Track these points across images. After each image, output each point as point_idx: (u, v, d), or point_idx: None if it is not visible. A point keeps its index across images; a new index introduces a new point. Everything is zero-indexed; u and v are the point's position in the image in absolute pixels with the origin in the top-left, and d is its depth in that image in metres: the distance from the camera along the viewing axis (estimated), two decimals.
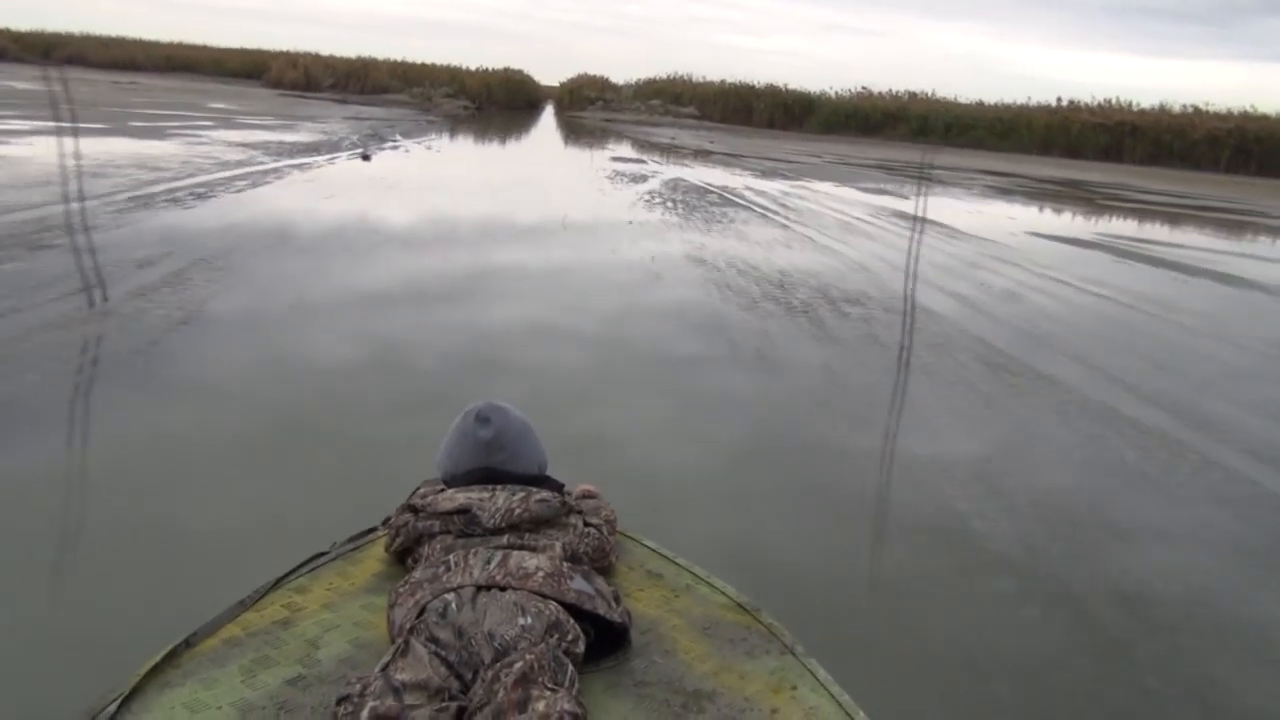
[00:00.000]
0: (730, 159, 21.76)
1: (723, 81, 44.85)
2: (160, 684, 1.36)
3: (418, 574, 1.50)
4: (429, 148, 19.09)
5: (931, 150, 25.50)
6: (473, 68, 41.97)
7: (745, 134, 35.28)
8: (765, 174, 18.31)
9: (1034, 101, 38.90)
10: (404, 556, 1.67)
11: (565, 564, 1.52)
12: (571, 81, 45.14)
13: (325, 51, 44.25)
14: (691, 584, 1.70)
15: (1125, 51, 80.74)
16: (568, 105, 41.21)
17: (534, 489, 1.67)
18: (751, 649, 1.51)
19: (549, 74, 57.15)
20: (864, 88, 44.86)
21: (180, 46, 56.64)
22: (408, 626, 1.38)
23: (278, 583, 1.61)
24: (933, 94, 43.80)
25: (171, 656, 1.41)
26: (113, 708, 1.28)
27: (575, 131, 30.73)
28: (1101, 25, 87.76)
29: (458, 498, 1.63)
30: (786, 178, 17.68)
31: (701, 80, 46.45)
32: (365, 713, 1.23)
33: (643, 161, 19.41)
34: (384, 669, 1.30)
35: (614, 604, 1.49)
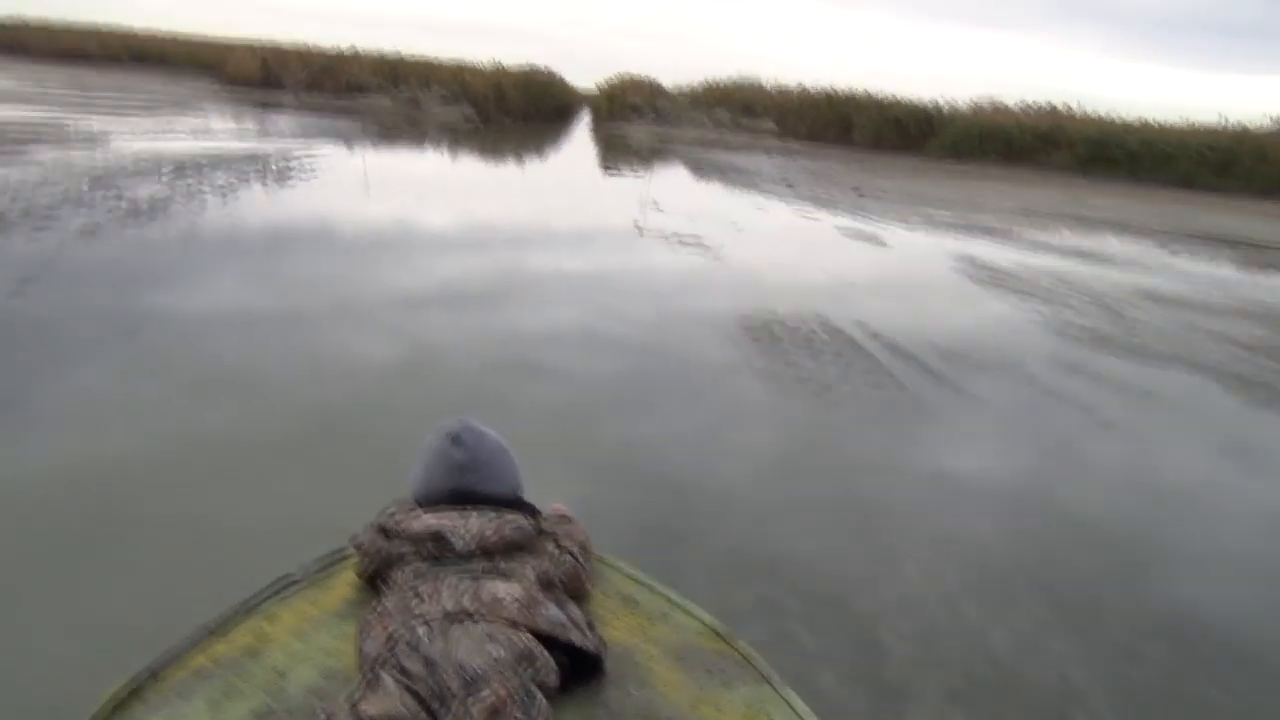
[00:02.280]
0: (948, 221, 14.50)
1: (807, 88, 37.96)
2: (124, 718, 1.44)
3: (388, 602, 1.53)
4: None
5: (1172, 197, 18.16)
6: (484, 64, 35.23)
7: (861, 162, 28.10)
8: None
9: (1191, 122, 31.93)
10: (374, 580, 1.69)
11: (539, 591, 1.55)
12: (611, 85, 38.39)
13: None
14: (667, 610, 1.75)
15: (1175, 65, 77.43)
16: (607, 115, 34.40)
17: (508, 512, 1.71)
18: (728, 679, 1.58)
19: (584, 77, 50.99)
20: (993, 100, 37.77)
21: (138, 36, 52.28)
22: (377, 657, 1.41)
23: (247, 608, 1.67)
24: (1078, 109, 36.56)
25: (135, 688, 1.48)
26: None
27: (619, 158, 23.80)
28: (1151, 37, 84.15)
29: (429, 520, 1.67)
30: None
31: (777, 86, 39.61)
32: None
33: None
34: (352, 702, 1.34)
35: (588, 632, 1.53)
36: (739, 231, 11.08)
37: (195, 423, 3.88)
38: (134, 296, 5.72)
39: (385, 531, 1.71)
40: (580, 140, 29.08)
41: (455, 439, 1.80)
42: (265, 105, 27.57)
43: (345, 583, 1.77)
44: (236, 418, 3.99)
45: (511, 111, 33.14)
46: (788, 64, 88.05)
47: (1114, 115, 35.29)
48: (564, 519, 1.91)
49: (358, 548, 1.77)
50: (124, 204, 8.28)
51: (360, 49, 36.96)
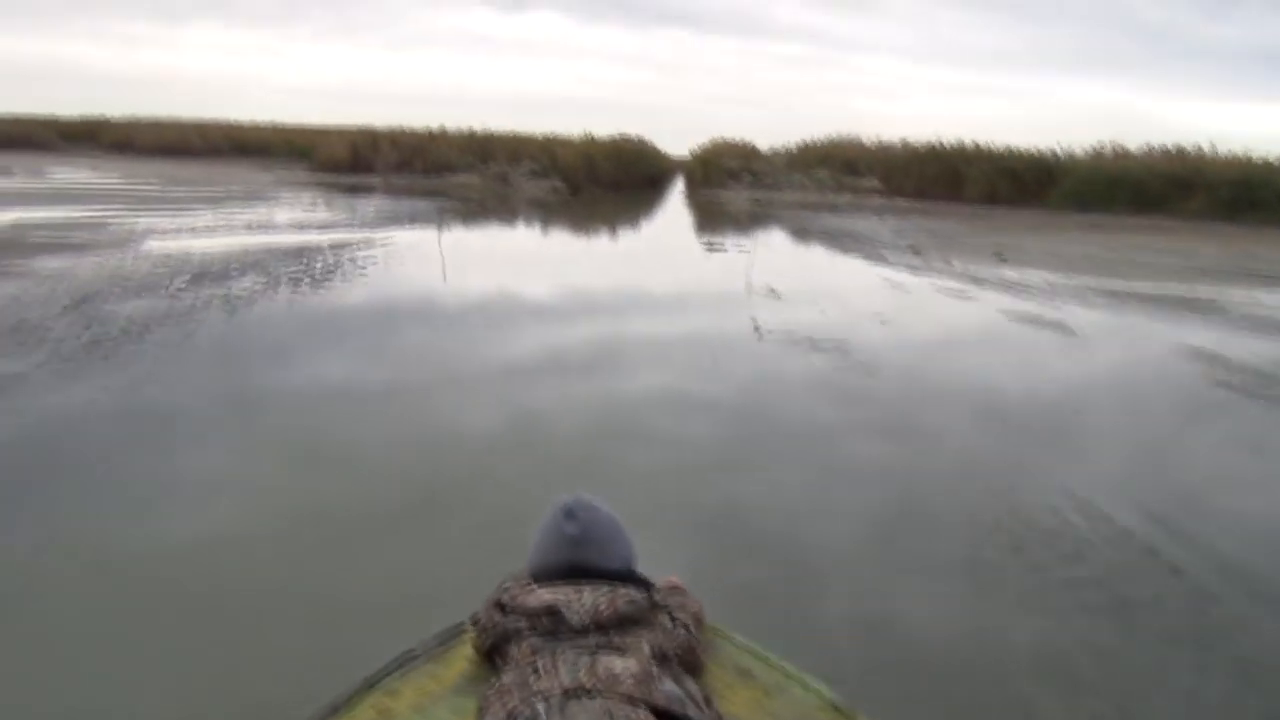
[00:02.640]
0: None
1: (910, 143, 35.37)
2: None
3: (507, 678, 1.56)
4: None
5: None
6: (573, 135, 33.72)
7: (981, 220, 25.37)
8: None
9: None
10: (492, 655, 1.72)
11: (654, 666, 1.55)
12: (706, 150, 36.50)
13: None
14: (783, 683, 1.73)
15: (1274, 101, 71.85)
16: (701, 181, 32.41)
17: (621, 586, 1.70)
18: None
19: (677, 143, 49.46)
20: (1115, 145, 34.53)
21: (240, 128, 53.14)
22: None
23: (368, 684, 1.70)
24: (1211, 150, 32.98)
25: None
26: None
27: (718, 226, 21.63)
28: (1246, 73, 78.85)
29: (545, 596, 1.67)
30: None
31: (878, 142, 37.12)
32: None
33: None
34: None
35: (704, 707, 1.52)
36: (881, 322, 8.66)
37: (310, 497, 3.91)
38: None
39: (502, 607, 1.71)
40: (674, 208, 27.08)
41: (568, 513, 1.79)
42: (352, 190, 26.42)
43: (464, 658, 1.79)
44: (349, 491, 4.01)
45: (602, 182, 31.43)
46: (882, 120, 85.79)
47: (1254, 154, 31.80)
48: (677, 591, 1.91)
49: (475, 623, 1.78)
50: (87, 336, 6.37)
51: (450, 128, 35.97)
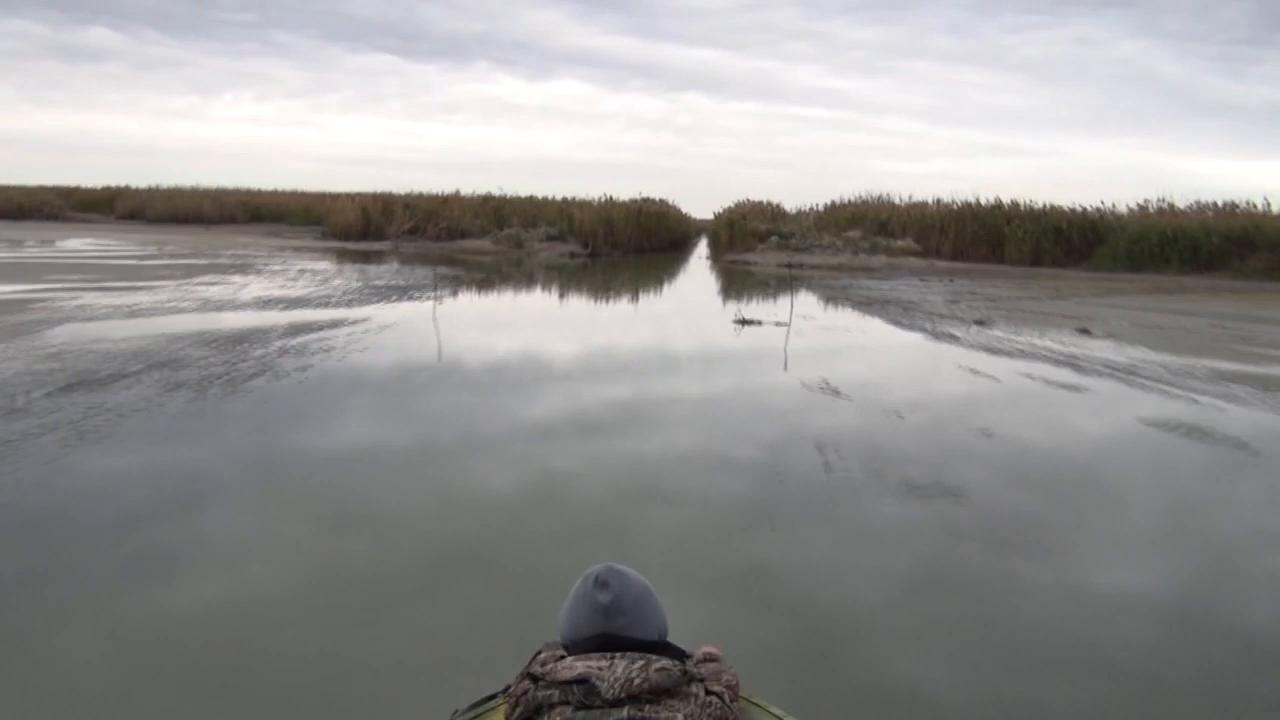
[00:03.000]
0: None
1: (945, 202, 33.28)
2: None
3: None
4: None
5: None
6: (591, 198, 31.89)
7: (1033, 282, 23.18)
8: None
9: None
10: None
11: None
12: (730, 211, 34.60)
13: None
14: None
15: None
16: (726, 244, 30.39)
17: (654, 657, 1.66)
18: None
19: (699, 206, 47.87)
20: (1162, 201, 32.31)
21: (256, 195, 52.25)
22: None
23: None
24: (1264, 206, 30.67)
25: None
26: None
27: (747, 293, 19.51)
28: (1267, 130, 77.38)
29: (577, 666, 1.64)
30: None
31: (909, 201, 35.06)
32: None
33: None
34: None
35: None
36: (985, 434, 6.39)
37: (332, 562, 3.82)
38: None
39: (534, 678, 1.68)
40: (698, 273, 25.01)
41: (600, 582, 1.74)
42: (362, 256, 24.63)
43: None
44: (372, 555, 3.92)
45: (622, 245, 29.50)
46: (903, 179, 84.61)
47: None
48: (712, 659, 1.92)
49: (506, 694, 1.74)
50: None
51: (465, 192, 34.27)
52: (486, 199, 33.52)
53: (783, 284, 22.14)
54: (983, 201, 32.32)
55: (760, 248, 29.32)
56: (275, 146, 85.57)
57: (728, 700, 1.68)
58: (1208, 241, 27.98)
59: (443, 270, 20.10)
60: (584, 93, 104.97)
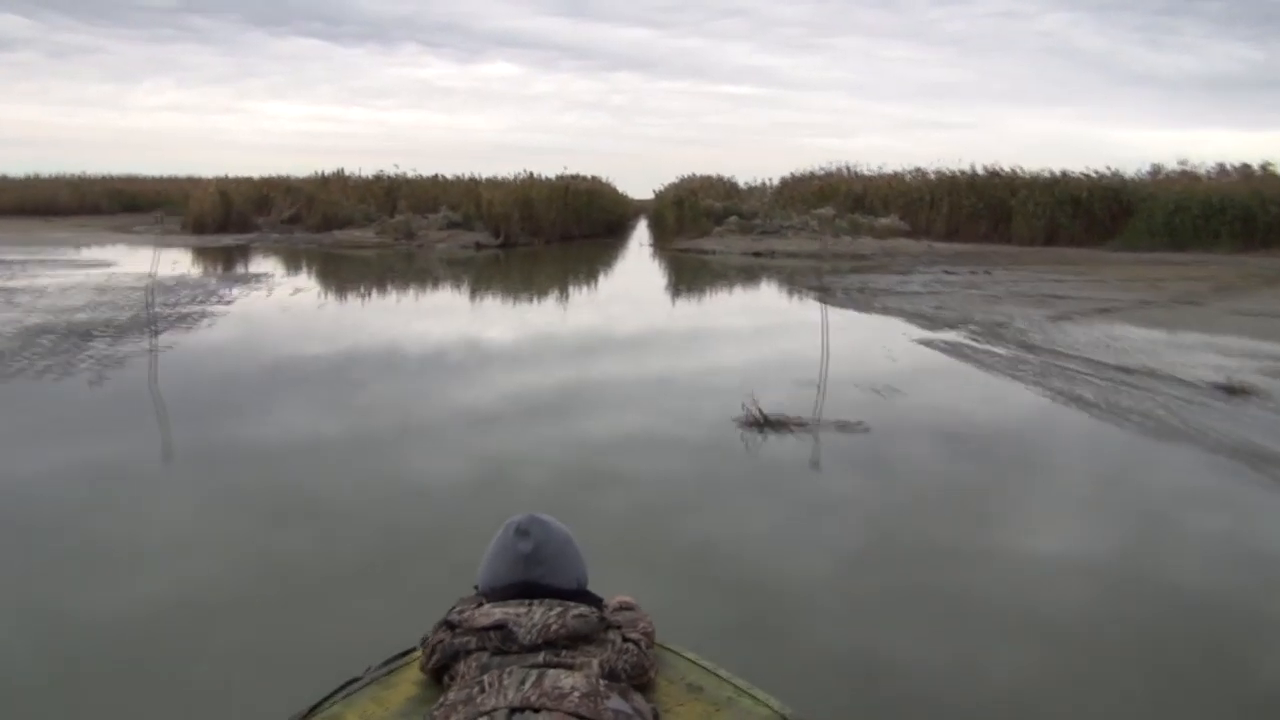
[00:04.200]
0: None
1: (935, 173, 27.16)
2: None
3: (452, 695, 1.49)
4: None
5: None
6: (508, 176, 25.13)
7: (1085, 268, 17.10)
8: None
9: None
10: (440, 675, 1.65)
11: (602, 682, 1.49)
12: (676, 188, 28.20)
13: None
14: (734, 696, 1.66)
15: (1226, 126, 69.59)
16: (675, 227, 23.88)
17: (571, 604, 1.65)
18: None
19: (636, 186, 41.57)
20: (1183, 167, 26.57)
21: (135, 181, 44.71)
22: None
23: (311, 711, 1.61)
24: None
25: None
26: None
27: (714, 296, 13.15)
28: (1197, 100, 75.48)
29: (494, 613, 1.62)
30: None
31: (883, 173, 28.88)
32: None
33: None
34: None
35: None
36: None
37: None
38: None
39: (451, 626, 1.66)
40: (641, 271, 18.51)
41: (520, 531, 1.72)
42: (203, 255, 17.63)
43: (410, 680, 1.71)
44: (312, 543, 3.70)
45: (544, 231, 22.88)
46: (834, 155, 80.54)
47: None
48: (628, 608, 1.85)
49: (424, 643, 1.71)
50: None
51: (351, 173, 27.22)
52: (376, 180, 26.58)
53: (758, 281, 15.72)
54: (979, 169, 26.33)
55: (717, 231, 22.91)
56: (200, 135, 78.66)
57: (644, 647, 1.66)
58: (1264, 212, 22.24)
59: (264, 272, 13.37)
60: (515, 74, 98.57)
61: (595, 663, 1.52)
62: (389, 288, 14.00)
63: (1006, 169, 26.02)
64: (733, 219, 23.80)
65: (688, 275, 16.91)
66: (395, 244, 20.94)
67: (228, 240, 22.25)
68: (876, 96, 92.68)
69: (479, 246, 20.94)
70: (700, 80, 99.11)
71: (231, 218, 25.83)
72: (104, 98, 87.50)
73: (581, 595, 1.71)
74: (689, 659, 1.78)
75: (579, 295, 13.34)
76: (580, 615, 1.60)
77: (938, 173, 26.86)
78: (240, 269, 15.66)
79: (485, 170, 24.75)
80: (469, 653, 1.57)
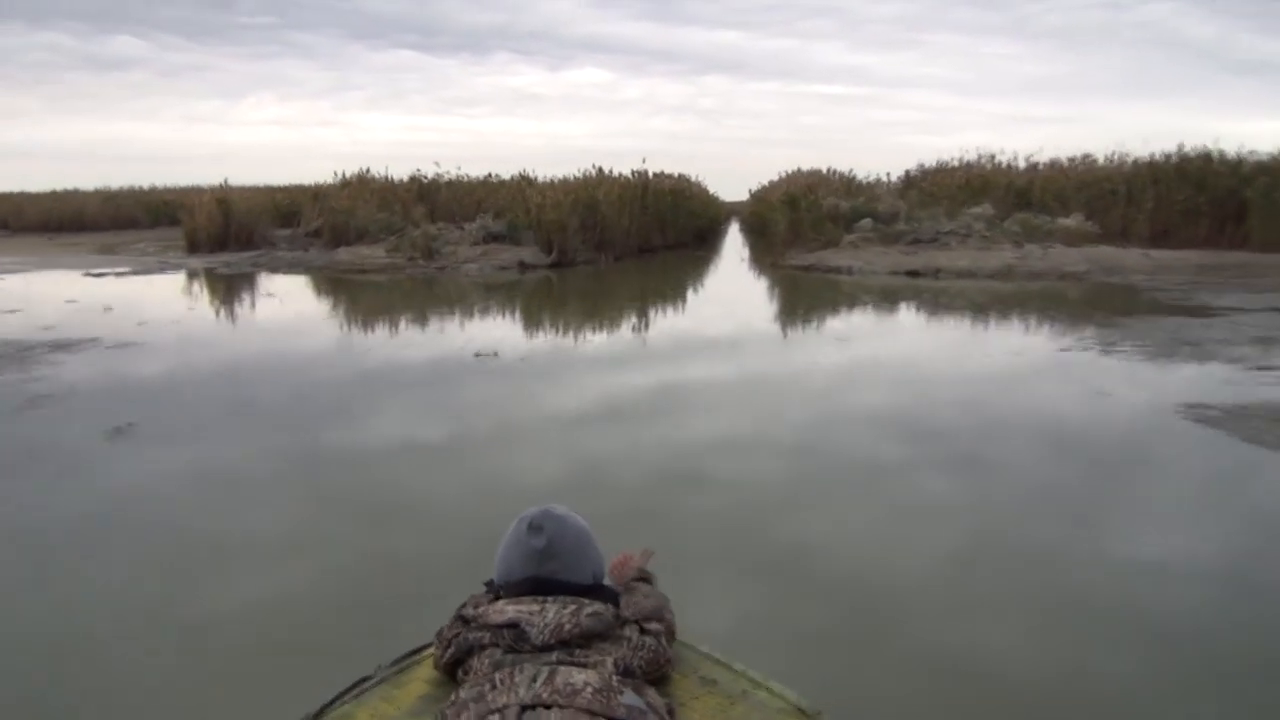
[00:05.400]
0: None
1: (1134, 159, 20.25)
2: None
3: (464, 693, 1.43)
4: None
5: None
6: (572, 176, 19.21)
7: None
8: None
9: None
10: (454, 670, 1.59)
11: (615, 678, 1.43)
12: (783, 185, 21.96)
13: None
14: (748, 689, 1.62)
15: None
16: (788, 235, 17.52)
17: (586, 602, 1.56)
18: None
19: (726, 188, 35.79)
20: None
21: (175, 192, 40.63)
22: None
23: (321, 711, 1.56)
24: None
25: None
26: None
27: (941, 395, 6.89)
28: None
29: (508, 610, 1.54)
30: None
31: (1052, 164, 21.99)
32: None
33: None
34: None
35: (667, 717, 1.43)
36: None
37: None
38: None
39: (465, 621, 1.60)
40: (756, 296, 12.29)
41: (534, 527, 1.63)
42: (200, 278, 12.21)
43: (421, 679, 1.65)
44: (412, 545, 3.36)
45: (614, 243, 16.95)
46: (931, 154, 74.50)
47: None
48: (644, 579, 1.80)
49: (438, 637, 1.65)
50: None
51: (379, 174, 21.73)
52: (410, 183, 20.99)
53: (934, 310, 9.41)
54: (1191, 154, 19.37)
55: (848, 240, 16.55)
56: (300, 146, 78.29)
57: (664, 643, 1.60)
58: None
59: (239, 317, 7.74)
60: (604, 80, 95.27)
61: (610, 660, 1.46)
62: (399, 319, 8.17)
63: (1230, 151, 19.10)
64: (865, 222, 17.43)
65: (836, 312, 10.66)
66: (410, 266, 15.17)
67: (210, 261, 16.89)
68: (974, 92, 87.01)
69: (523, 267, 15.04)
70: (791, 80, 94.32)
71: (234, 232, 20.65)
72: (211, 113, 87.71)
73: (597, 590, 1.62)
74: (702, 652, 1.71)
75: (666, 362, 7.26)
76: (594, 614, 1.52)
77: (1131, 159, 19.99)
78: (106, 315, 10.05)
79: (566, 174, 19.04)
80: (483, 648, 1.50)
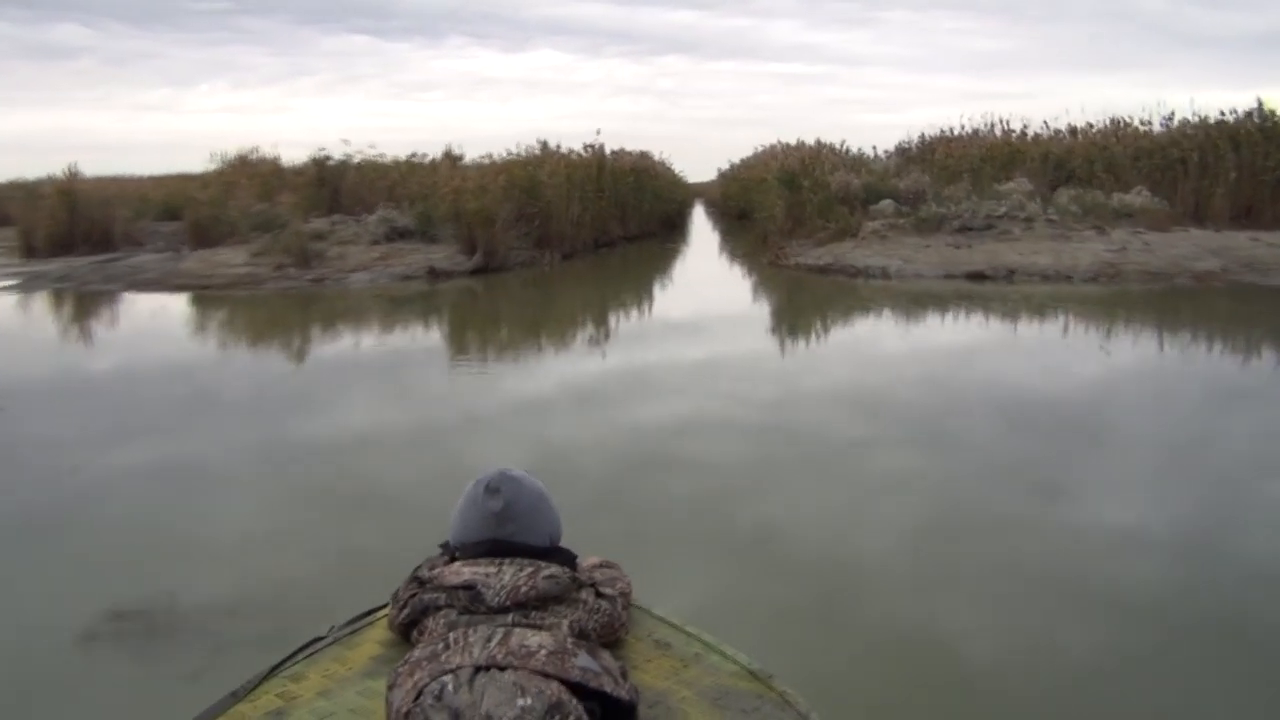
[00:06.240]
0: None
1: (1182, 125, 16.40)
2: None
3: (417, 652, 1.36)
4: None
5: None
6: (504, 155, 14.85)
7: None
8: None
9: None
10: (408, 631, 1.51)
11: (570, 640, 1.38)
12: (756, 163, 17.95)
13: None
14: (701, 652, 1.59)
15: None
16: (786, 224, 13.44)
17: (543, 564, 1.50)
18: (765, 718, 1.42)
19: (689, 169, 31.94)
20: None
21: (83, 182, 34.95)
22: (404, 711, 1.27)
23: (272, 671, 1.50)
24: None
25: None
26: None
27: None
28: (1251, 60, 65.90)
29: (464, 572, 1.48)
30: None
31: (1105, 127, 18.10)
32: None
33: None
34: None
35: (621, 679, 1.36)
36: None
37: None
38: None
39: (420, 582, 1.52)
40: (757, 313, 8.17)
41: (491, 489, 1.56)
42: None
43: (375, 640, 1.58)
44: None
45: (561, 237, 12.81)
46: (885, 131, 72.90)
47: None
48: (607, 566, 1.71)
49: (394, 598, 1.57)
50: None
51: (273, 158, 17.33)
52: (311, 166, 16.56)
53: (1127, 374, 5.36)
54: (1272, 109, 15.50)
55: (869, 228, 12.47)
56: (254, 134, 74.29)
57: (619, 606, 1.55)
58: None
59: None
60: (562, 62, 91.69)
61: (565, 623, 1.41)
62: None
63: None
64: (886, 204, 13.40)
65: (896, 356, 6.58)
66: (276, 276, 10.83)
67: (51, 267, 12.48)
68: (929, 69, 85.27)
69: (434, 275, 10.78)
70: (749, 60, 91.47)
71: (83, 230, 16.16)
72: (161, 101, 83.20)
73: (554, 553, 1.55)
74: (657, 616, 1.68)
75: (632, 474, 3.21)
76: (550, 576, 1.46)
77: (1205, 120, 16.10)
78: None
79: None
80: (438, 609, 1.44)
